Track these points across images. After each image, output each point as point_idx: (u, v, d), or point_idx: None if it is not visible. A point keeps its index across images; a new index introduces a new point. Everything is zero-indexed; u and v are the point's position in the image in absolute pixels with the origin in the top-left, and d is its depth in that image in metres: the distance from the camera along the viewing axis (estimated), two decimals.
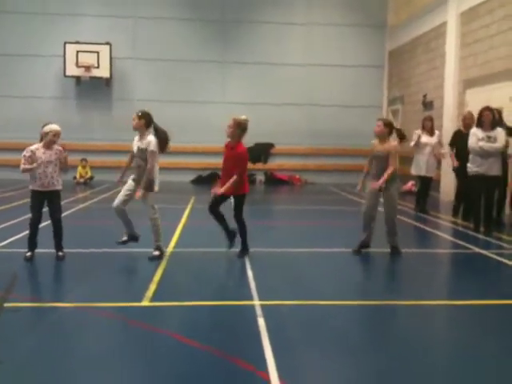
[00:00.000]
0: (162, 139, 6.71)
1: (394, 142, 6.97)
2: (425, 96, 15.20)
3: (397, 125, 17.83)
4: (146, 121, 6.66)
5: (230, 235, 6.81)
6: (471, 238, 8.29)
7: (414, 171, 11.03)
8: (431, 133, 10.80)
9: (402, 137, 6.84)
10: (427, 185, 10.87)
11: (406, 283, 6.08)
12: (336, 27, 18.45)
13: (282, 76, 18.32)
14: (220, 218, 6.77)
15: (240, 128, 6.57)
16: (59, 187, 6.51)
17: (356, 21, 18.52)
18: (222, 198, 6.72)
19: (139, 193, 6.43)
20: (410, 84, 16.57)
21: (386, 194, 6.83)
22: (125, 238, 6.78)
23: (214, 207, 6.74)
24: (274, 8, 18.38)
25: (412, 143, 10.83)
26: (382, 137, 6.85)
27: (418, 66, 15.99)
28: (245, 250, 6.77)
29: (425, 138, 10.71)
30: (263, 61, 18.31)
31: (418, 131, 10.87)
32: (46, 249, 6.54)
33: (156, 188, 6.63)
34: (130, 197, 6.61)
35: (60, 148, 6.49)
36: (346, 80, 18.48)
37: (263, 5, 18.32)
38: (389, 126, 6.89)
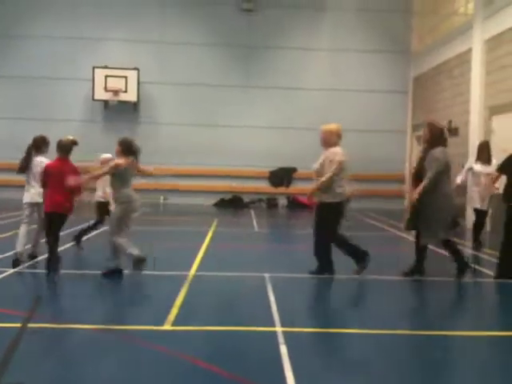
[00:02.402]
0: None
1: (121, 160, 6.58)
2: (450, 122, 15.11)
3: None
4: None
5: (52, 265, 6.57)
6: None
7: (468, 203, 10.05)
8: (488, 161, 9.70)
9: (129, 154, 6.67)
10: (482, 218, 9.84)
11: (427, 312, 5.97)
12: (360, 53, 18.56)
13: (305, 101, 18.44)
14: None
15: (57, 146, 6.76)
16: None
17: (380, 47, 18.62)
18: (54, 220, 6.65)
19: None
20: (435, 110, 16.50)
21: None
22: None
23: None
24: (298, 34, 18.60)
25: (461, 175, 9.89)
26: (118, 156, 6.65)
27: (443, 92, 15.94)
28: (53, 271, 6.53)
29: (479, 167, 9.64)
30: (286, 86, 18.47)
31: (471, 160, 9.87)
32: (68, 270, 6.62)
33: None
34: None
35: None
36: (369, 105, 18.50)
37: (288, 31, 18.56)
38: (122, 145, 6.67)
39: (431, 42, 17.14)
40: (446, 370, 4.10)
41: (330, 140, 6.96)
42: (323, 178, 6.76)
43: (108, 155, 8.66)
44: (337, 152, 6.86)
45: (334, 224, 6.88)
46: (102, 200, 8.54)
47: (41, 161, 7.15)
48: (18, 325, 4.63)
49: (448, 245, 7.11)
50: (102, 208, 8.52)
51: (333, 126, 7.08)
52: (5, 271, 6.71)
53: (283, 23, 18.48)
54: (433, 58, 16.65)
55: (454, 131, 14.86)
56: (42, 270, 6.78)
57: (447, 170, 6.93)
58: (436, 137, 7.01)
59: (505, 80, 12.30)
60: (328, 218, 6.86)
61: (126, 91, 17.71)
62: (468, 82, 13.97)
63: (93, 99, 17.91)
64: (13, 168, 7.84)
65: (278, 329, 4.79)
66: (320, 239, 6.96)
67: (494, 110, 12.79)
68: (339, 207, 6.87)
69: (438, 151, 6.89)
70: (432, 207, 6.80)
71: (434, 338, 4.82)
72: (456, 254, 7.12)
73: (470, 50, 13.92)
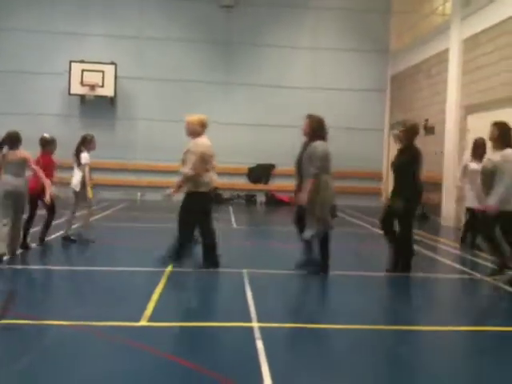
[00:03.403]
0: None
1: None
2: (426, 121, 15.28)
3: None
4: None
5: None
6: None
7: (465, 203, 9.60)
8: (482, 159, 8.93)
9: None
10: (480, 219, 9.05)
11: (406, 308, 6.03)
12: (339, 52, 18.63)
13: (284, 98, 18.44)
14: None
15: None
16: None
17: (359, 46, 18.72)
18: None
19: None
20: (412, 109, 16.67)
21: None
22: None
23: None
24: (278, 32, 18.58)
25: (458, 174, 9.63)
26: None
27: (420, 91, 16.11)
28: None
29: (475, 165, 8.81)
30: (266, 83, 18.45)
31: (466, 157, 9.33)
32: (44, 265, 6.52)
33: None
34: None
35: None
36: (348, 104, 18.60)
37: (268, 28, 18.53)
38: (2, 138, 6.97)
39: (409, 41, 17.30)
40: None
41: (193, 130, 6.96)
42: (185, 171, 6.75)
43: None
44: (199, 143, 6.88)
45: (197, 213, 6.93)
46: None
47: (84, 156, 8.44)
48: None
49: (323, 239, 6.88)
50: None
51: (195, 117, 7.06)
52: None
53: (263, 20, 18.44)
54: (411, 57, 16.81)
55: (430, 130, 15.04)
56: (20, 266, 6.67)
57: (327, 163, 6.79)
58: (315, 130, 6.86)
59: (480, 80, 12.48)
60: (191, 206, 6.90)
61: (102, 86, 17.49)
62: (445, 82, 14.13)
63: (69, 94, 17.65)
64: None
65: (255, 324, 4.79)
66: (182, 227, 6.99)
67: (469, 110, 12.97)
68: (205, 197, 6.90)
69: (317, 144, 6.77)
70: (313, 202, 6.65)
71: (404, 334, 4.88)
72: (322, 249, 6.90)
73: (447, 50, 14.08)
